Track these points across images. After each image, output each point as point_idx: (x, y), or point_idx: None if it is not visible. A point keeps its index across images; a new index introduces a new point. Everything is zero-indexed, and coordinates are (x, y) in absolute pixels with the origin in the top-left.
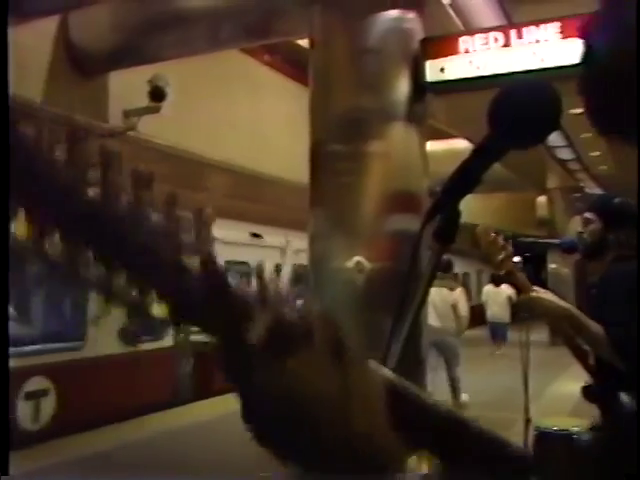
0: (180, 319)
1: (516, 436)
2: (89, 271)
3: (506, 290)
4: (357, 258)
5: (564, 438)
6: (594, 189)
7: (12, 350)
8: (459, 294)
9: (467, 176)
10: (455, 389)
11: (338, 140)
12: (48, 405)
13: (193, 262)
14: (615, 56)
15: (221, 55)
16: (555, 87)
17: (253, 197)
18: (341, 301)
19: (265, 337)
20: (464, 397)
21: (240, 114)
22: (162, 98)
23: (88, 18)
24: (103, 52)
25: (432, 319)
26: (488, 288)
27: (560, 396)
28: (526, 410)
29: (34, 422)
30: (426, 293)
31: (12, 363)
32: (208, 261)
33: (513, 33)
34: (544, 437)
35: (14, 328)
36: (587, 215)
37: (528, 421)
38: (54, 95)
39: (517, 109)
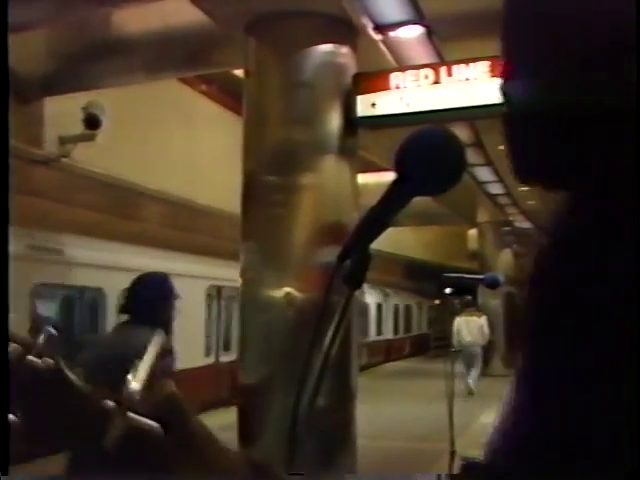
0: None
1: (443, 468)
2: None
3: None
4: (287, 289)
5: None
6: (523, 223)
7: None
8: (484, 320)
9: (375, 221)
10: (470, 385)
11: (270, 171)
12: None
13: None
14: (528, 103)
15: (157, 84)
16: (458, 138)
17: (187, 227)
18: (271, 331)
19: (119, 444)
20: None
21: (176, 143)
22: (97, 126)
23: (24, 43)
24: (39, 77)
25: (466, 337)
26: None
27: (490, 426)
28: (451, 442)
29: None
30: (337, 335)
31: None
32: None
33: (443, 71)
34: (470, 468)
35: None
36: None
37: (453, 453)
38: None
39: (420, 157)
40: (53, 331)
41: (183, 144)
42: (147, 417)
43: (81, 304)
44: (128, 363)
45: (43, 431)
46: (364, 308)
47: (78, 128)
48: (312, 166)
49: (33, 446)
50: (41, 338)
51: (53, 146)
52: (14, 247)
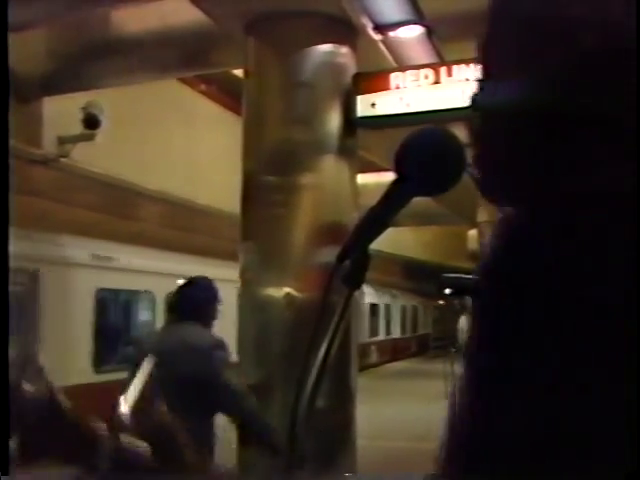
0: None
1: None
2: None
3: None
4: (286, 289)
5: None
6: None
7: None
8: None
9: (375, 221)
10: None
11: (270, 171)
12: None
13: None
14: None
15: (157, 84)
16: (458, 138)
17: (187, 227)
18: (270, 332)
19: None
20: None
21: (175, 143)
22: (96, 126)
23: (23, 42)
24: (38, 77)
25: None
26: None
27: None
28: None
29: None
30: (335, 336)
31: None
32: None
33: (443, 71)
34: None
35: None
36: None
37: None
38: None
39: (420, 157)
40: (40, 363)
41: (183, 144)
42: (138, 438)
43: (136, 306)
44: (186, 362)
45: (38, 451)
46: (375, 309)
47: (77, 128)
48: (312, 166)
49: (29, 466)
50: (28, 367)
51: (52, 146)
52: (79, 256)
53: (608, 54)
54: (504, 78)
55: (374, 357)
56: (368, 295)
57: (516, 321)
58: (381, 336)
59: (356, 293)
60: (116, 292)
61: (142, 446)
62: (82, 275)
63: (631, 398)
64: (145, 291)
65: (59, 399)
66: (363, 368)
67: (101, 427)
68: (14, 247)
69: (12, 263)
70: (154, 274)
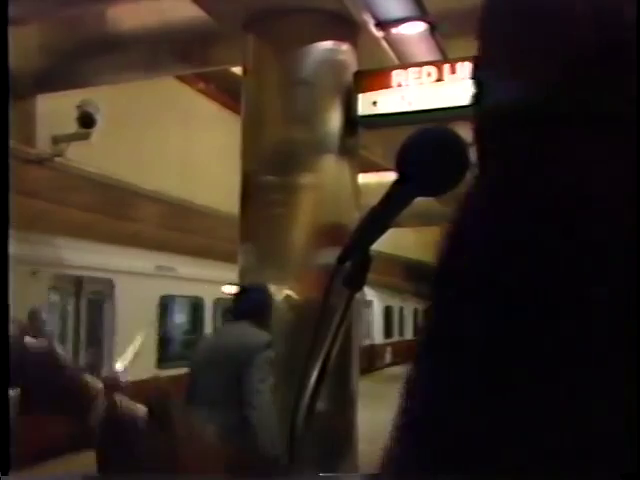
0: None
1: None
2: None
3: None
4: (286, 291)
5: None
6: None
7: None
8: None
9: (376, 222)
10: None
11: (269, 171)
12: None
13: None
14: None
15: (154, 82)
16: (461, 137)
17: (184, 228)
18: (270, 334)
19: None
20: None
21: (173, 142)
22: (91, 124)
23: (16, 38)
24: (31, 74)
25: None
26: None
27: None
28: None
29: None
30: (336, 338)
31: None
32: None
33: (446, 68)
34: None
35: None
36: None
37: None
38: None
39: (422, 157)
40: (44, 317)
41: (180, 143)
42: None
43: (190, 309)
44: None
45: (37, 402)
46: (389, 311)
47: (72, 127)
48: (312, 166)
49: (27, 414)
50: (31, 321)
51: (46, 145)
52: (145, 267)
53: (606, 51)
54: (501, 76)
55: (388, 358)
56: (382, 298)
57: (467, 321)
58: (395, 337)
59: (357, 295)
60: (175, 298)
61: (136, 408)
62: (148, 284)
63: (585, 394)
64: (196, 297)
65: (59, 354)
66: (378, 368)
67: (98, 384)
68: (91, 259)
69: (89, 273)
70: (204, 282)
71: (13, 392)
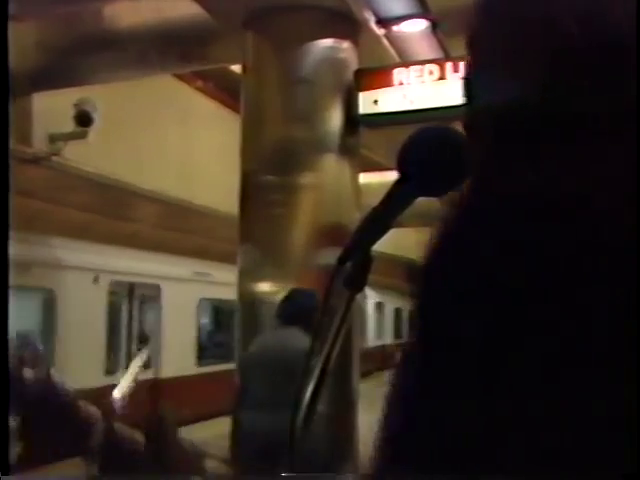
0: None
1: None
2: None
3: None
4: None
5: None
6: None
7: None
8: None
9: (377, 222)
10: None
11: (269, 171)
12: None
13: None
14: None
15: (152, 80)
16: (464, 136)
17: (183, 228)
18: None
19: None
20: None
21: (171, 142)
22: (88, 123)
23: (11, 35)
24: (27, 71)
25: None
26: None
27: None
28: None
29: None
30: (337, 340)
31: None
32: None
33: (449, 66)
34: None
35: None
36: None
37: None
38: None
39: (423, 157)
40: (40, 347)
41: (179, 142)
42: (132, 427)
43: (224, 311)
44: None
45: (37, 430)
46: (399, 312)
47: (69, 125)
48: (312, 165)
49: (27, 446)
50: (27, 352)
51: (43, 144)
52: (183, 273)
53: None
54: (493, 75)
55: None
56: (393, 300)
57: (452, 323)
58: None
59: (358, 296)
60: (212, 301)
61: (134, 434)
62: (189, 288)
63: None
64: (231, 300)
65: (56, 382)
66: (390, 367)
67: (96, 412)
68: (141, 267)
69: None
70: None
71: (13, 421)
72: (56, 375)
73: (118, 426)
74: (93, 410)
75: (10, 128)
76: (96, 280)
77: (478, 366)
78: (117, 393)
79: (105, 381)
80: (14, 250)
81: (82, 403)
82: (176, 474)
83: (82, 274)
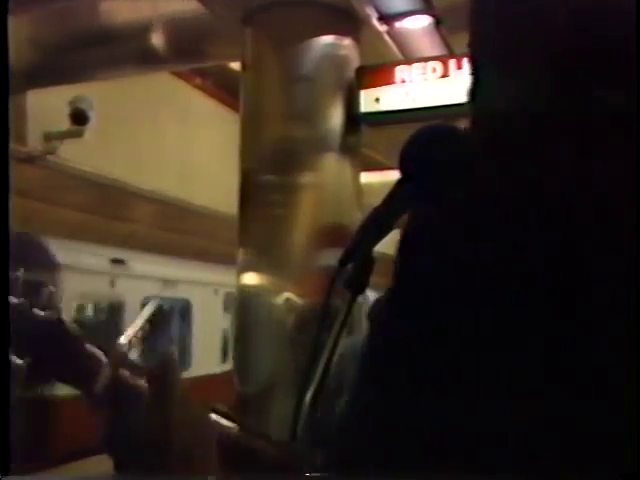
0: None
1: None
2: None
3: None
4: (287, 294)
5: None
6: None
7: None
8: None
9: (379, 223)
10: None
11: (269, 170)
12: None
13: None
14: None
15: (149, 77)
16: (465, 133)
17: (181, 229)
18: (270, 339)
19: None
20: None
21: (169, 140)
22: (84, 121)
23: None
24: (21, 68)
25: None
26: None
27: None
28: None
29: None
30: (337, 343)
31: None
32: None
33: (452, 63)
34: None
35: None
36: None
37: None
38: None
39: (425, 155)
40: (53, 288)
41: (177, 141)
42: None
43: None
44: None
45: (41, 374)
46: None
47: (64, 124)
48: (313, 165)
49: (31, 385)
50: (44, 293)
51: (37, 143)
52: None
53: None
54: (495, 75)
55: None
56: None
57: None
58: None
59: (359, 298)
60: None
61: (140, 385)
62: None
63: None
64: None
65: (65, 323)
66: None
67: (102, 356)
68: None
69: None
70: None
71: (23, 362)
72: (66, 320)
73: (124, 374)
74: (99, 354)
75: (10, 128)
76: (216, 292)
77: (471, 367)
78: (123, 339)
79: (223, 368)
80: (164, 270)
81: (89, 347)
82: (184, 466)
83: (205, 288)
